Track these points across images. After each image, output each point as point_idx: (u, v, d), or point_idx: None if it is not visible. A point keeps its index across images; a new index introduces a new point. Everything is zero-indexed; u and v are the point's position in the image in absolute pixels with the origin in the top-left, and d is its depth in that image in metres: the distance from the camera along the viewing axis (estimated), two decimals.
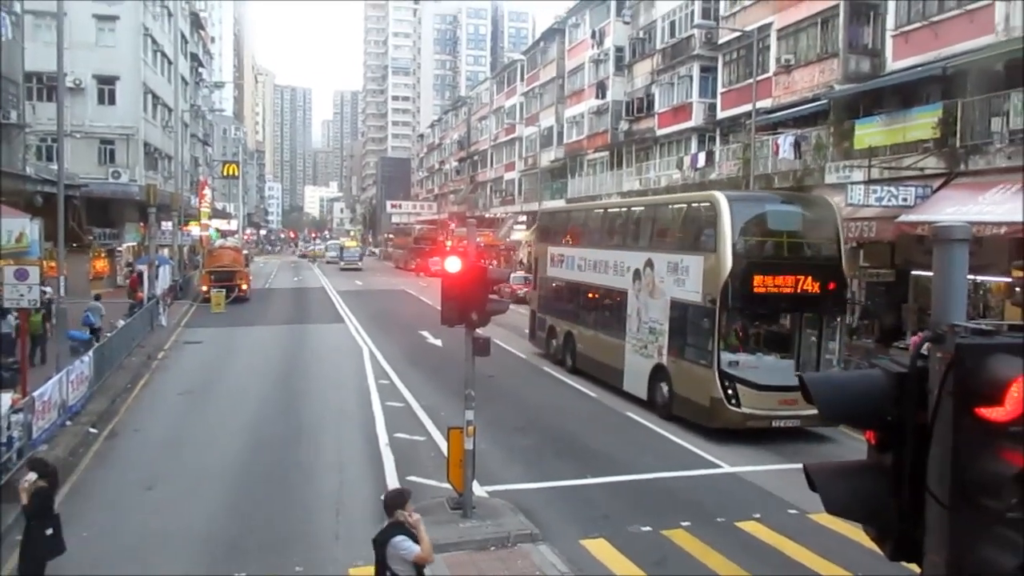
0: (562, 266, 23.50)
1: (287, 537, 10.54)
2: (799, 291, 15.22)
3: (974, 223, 17.82)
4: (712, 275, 15.18)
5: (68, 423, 15.32)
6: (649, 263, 17.80)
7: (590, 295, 21.55)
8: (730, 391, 14.87)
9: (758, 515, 11.18)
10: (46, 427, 13.98)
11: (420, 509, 10.96)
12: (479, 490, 11.58)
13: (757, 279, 15.02)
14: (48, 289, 20.65)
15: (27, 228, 16.40)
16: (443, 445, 13.70)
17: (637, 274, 18.30)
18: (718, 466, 13.69)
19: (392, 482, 12.55)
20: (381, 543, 6.65)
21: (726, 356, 15.16)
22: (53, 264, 21.91)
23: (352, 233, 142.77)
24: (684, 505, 11.63)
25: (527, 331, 26.20)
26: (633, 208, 22.40)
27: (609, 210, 23.89)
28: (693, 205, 18.06)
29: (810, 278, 15.26)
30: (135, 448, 14.63)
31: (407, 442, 14.97)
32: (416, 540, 6.59)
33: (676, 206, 19.53)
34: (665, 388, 16.80)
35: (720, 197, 15.95)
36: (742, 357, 15.54)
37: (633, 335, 18.37)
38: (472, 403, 10.61)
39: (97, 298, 25.66)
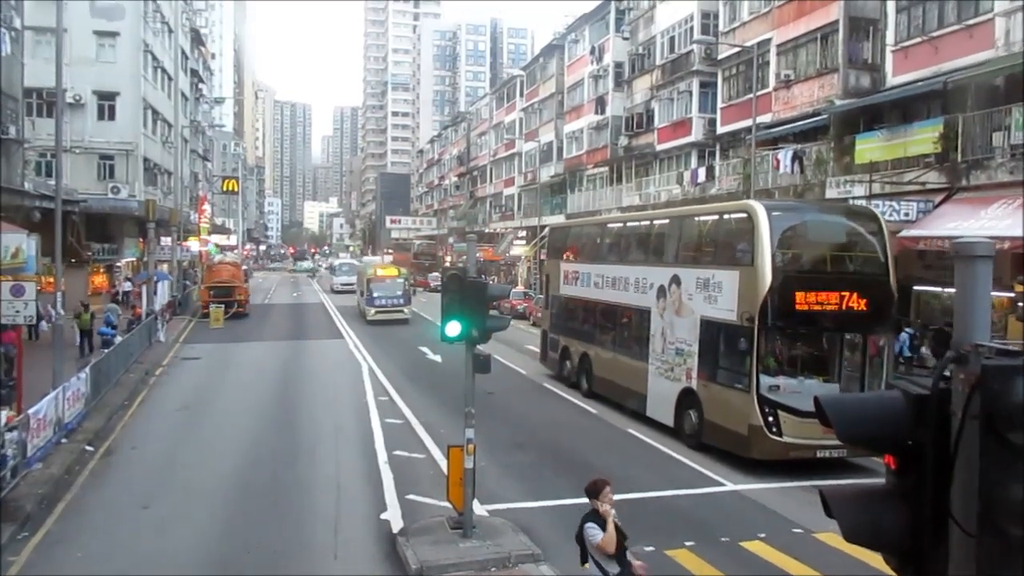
0: (576, 283, 22.31)
1: (284, 556, 10.37)
2: (844, 308, 13.98)
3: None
4: (749, 291, 14.02)
5: (64, 440, 15.15)
6: (675, 279, 16.62)
7: (608, 314, 20.26)
8: (770, 418, 13.64)
9: (763, 534, 10.99)
10: (41, 445, 13.82)
11: (419, 529, 10.87)
12: (479, 509, 11.41)
13: (799, 295, 13.82)
14: (57, 313, 20.44)
15: (24, 244, 16.29)
16: (443, 463, 13.52)
17: (662, 291, 17.14)
18: (721, 484, 13.51)
19: (391, 500, 12.40)
20: (580, 525, 7.35)
21: (765, 380, 13.85)
22: (51, 280, 21.87)
23: (352, 249, 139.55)
24: (687, 524, 11.46)
25: (531, 347, 25.93)
26: (656, 221, 20.93)
27: (628, 223, 22.56)
28: (726, 216, 16.78)
29: (856, 294, 14.06)
30: (131, 466, 14.44)
31: (406, 460, 14.81)
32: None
33: (706, 217, 18.14)
34: (695, 415, 15.52)
35: (757, 207, 14.73)
36: (783, 381, 14.08)
37: (657, 357, 17.12)
38: (472, 421, 10.45)
39: (114, 301, 32.32)
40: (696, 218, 18.72)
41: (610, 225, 24.02)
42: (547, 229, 27.92)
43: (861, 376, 14.50)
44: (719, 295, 14.96)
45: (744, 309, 14.06)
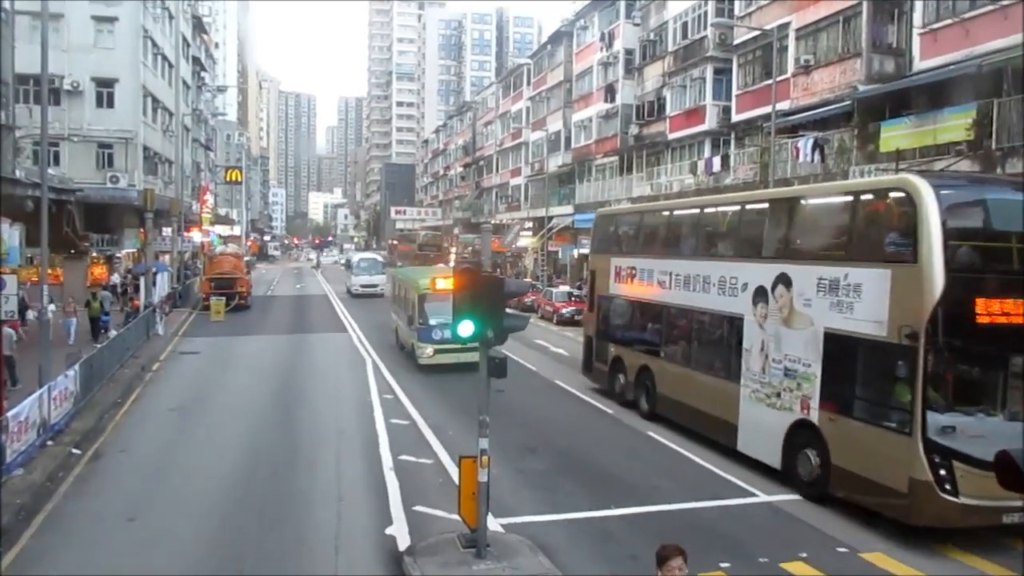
0: (633, 281, 18.77)
1: None
2: None
3: None
4: (909, 298, 10.65)
5: (49, 443, 14.29)
6: (783, 279, 13.19)
7: (678, 320, 16.88)
8: (942, 471, 10.21)
9: (804, 554, 10.02)
10: (23, 449, 12.96)
11: (427, 547, 9.94)
12: (493, 524, 10.47)
13: (980, 304, 10.44)
14: (43, 307, 19.68)
15: (6, 234, 15.38)
16: (452, 469, 12.71)
17: (761, 293, 13.72)
18: (753, 495, 12.50)
19: (397, 512, 11.49)
20: None
21: (935, 418, 10.35)
22: (51, 271, 21.07)
23: (356, 240, 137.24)
24: (721, 542, 10.47)
25: (541, 342, 24.92)
26: (749, 204, 16.39)
27: (706, 209, 18.09)
28: (866, 196, 12.66)
29: None
30: (120, 472, 13.56)
31: (413, 465, 13.89)
32: None
33: (833, 199, 14.11)
34: (815, 456, 12.20)
35: (920, 183, 11.01)
36: (959, 420, 10.48)
37: (755, 377, 13.78)
38: (486, 430, 9.54)
39: (105, 288, 32.15)
40: (814, 200, 14.59)
41: (680, 211, 19.24)
42: (595, 215, 23.82)
43: None
44: (856, 301, 11.60)
45: (902, 322, 10.67)
